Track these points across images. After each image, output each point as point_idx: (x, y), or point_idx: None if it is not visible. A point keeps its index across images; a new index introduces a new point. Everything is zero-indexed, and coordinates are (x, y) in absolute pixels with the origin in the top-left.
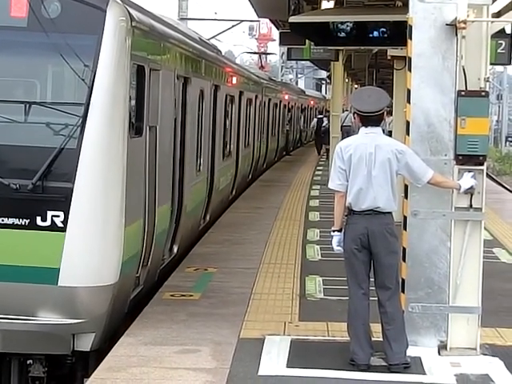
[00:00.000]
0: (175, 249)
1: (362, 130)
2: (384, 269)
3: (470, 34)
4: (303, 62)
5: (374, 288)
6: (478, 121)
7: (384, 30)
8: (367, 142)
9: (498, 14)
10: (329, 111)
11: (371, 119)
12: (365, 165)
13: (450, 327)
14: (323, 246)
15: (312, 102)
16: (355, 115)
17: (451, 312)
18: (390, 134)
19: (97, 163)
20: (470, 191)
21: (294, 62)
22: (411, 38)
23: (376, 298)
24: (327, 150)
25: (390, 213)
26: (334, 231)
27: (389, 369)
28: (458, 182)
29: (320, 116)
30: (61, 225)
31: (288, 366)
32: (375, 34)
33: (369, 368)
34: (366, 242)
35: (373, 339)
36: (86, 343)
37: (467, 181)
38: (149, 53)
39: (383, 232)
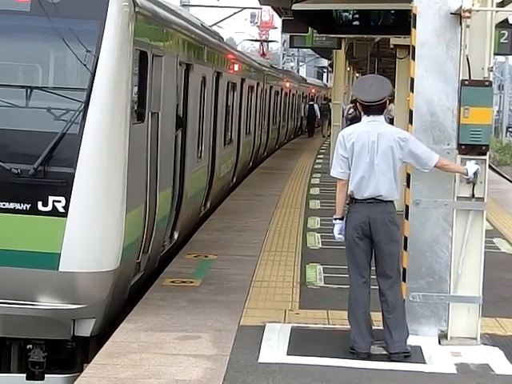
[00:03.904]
0: (176, 235)
1: (365, 118)
2: (385, 257)
3: (475, 24)
4: (305, 50)
5: (374, 277)
6: (481, 110)
7: (387, 18)
8: (370, 130)
9: (502, 4)
10: (328, 99)
11: (373, 108)
12: (367, 153)
13: (450, 317)
14: (324, 234)
15: (313, 90)
16: (357, 104)
17: (452, 301)
18: (391, 121)
19: (98, 149)
20: (474, 180)
21: (296, 50)
22: (415, 27)
23: (377, 287)
24: None
25: (391, 201)
26: (335, 219)
27: (389, 357)
28: (464, 167)
29: (311, 103)
30: (62, 210)
31: (288, 354)
32: (378, 22)
33: (369, 356)
34: (368, 230)
35: (373, 328)
36: (86, 329)
37: (472, 166)
38: (151, 39)
39: (385, 220)
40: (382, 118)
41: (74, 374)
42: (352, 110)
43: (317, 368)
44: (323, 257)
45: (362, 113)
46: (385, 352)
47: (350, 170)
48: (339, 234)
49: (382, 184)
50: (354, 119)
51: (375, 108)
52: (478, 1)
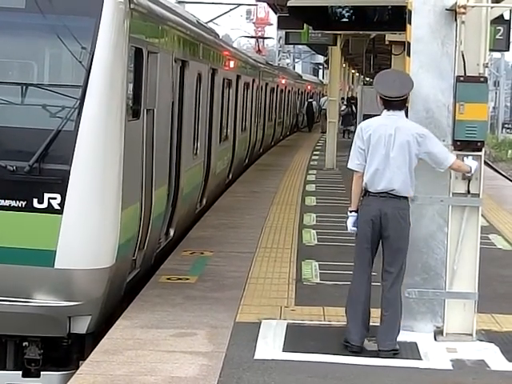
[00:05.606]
0: (171, 232)
1: (385, 112)
2: (392, 253)
3: (470, 20)
4: (300, 46)
5: (375, 273)
6: (476, 106)
7: (383, 14)
8: (388, 124)
9: (497, 0)
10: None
11: (394, 104)
12: (383, 146)
13: (446, 313)
14: (320, 230)
15: (309, 87)
16: (378, 98)
17: (448, 297)
18: None
19: (94, 145)
20: (469, 176)
21: (291, 46)
22: (410, 23)
23: (379, 283)
24: (349, 132)
25: (405, 198)
26: (350, 211)
27: (378, 353)
28: (468, 165)
29: (310, 100)
30: (57, 207)
31: (284, 350)
32: (374, 18)
33: (361, 350)
34: (379, 224)
35: (371, 324)
36: (81, 326)
37: (472, 162)
38: (147, 35)
39: (396, 216)
40: (402, 113)
41: (69, 371)
42: (344, 106)
43: (313, 364)
44: (319, 253)
45: (382, 107)
46: None
47: (366, 162)
48: (353, 226)
49: (396, 178)
50: (347, 116)
51: (396, 103)
52: None
